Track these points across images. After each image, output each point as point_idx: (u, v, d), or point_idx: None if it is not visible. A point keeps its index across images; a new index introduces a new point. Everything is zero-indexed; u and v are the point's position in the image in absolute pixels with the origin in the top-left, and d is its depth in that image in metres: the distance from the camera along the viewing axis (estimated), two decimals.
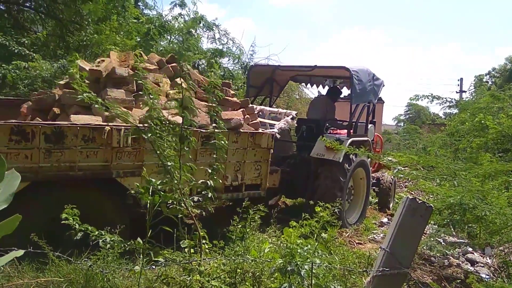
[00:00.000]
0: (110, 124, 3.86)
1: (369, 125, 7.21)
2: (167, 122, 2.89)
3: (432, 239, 4.91)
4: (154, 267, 2.88)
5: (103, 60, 4.70)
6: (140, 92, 2.98)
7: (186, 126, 2.96)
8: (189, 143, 2.95)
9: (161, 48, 9.17)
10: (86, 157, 3.78)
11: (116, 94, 4.23)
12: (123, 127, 3.85)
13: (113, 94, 4.21)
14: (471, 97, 24.53)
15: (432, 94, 7.00)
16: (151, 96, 2.84)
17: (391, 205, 8.13)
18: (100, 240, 2.83)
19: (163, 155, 2.77)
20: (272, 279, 2.71)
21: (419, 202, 1.95)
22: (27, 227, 3.17)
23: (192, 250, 2.92)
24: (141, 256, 2.81)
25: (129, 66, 4.65)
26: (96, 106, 2.71)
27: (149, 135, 2.74)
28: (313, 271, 2.40)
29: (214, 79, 3.20)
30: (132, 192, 3.64)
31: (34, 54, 7.46)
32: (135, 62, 3.03)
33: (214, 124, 3.20)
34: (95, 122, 3.90)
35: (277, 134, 5.54)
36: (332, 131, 7.13)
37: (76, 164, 3.72)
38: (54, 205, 3.66)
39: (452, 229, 5.50)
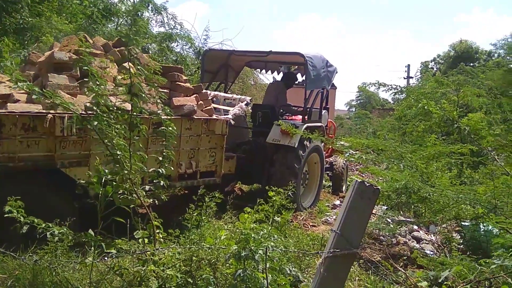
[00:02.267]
0: (52, 111, 3.66)
1: (323, 111, 7.36)
2: (115, 109, 2.77)
3: (381, 221, 5.14)
4: (106, 258, 2.80)
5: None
6: (85, 79, 2.82)
7: (135, 114, 2.86)
8: (139, 131, 2.85)
9: (106, 32, 8.74)
10: (27, 147, 3.57)
11: (58, 80, 4.01)
12: (66, 115, 3.66)
13: (54, 80, 3.98)
14: (418, 82, 25.73)
15: (378, 82, 7.25)
16: (98, 82, 2.70)
17: (344, 188, 8.41)
18: (48, 233, 2.69)
19: (111, 144, 2.66)
20: (228, 265, 2.72)
21: (367, 185, 2.02)
22: None
23: (146, 240, 2.86)
24: (92, 248, 2.72)
25: (71, 50, 4.42)
26: (34, 96, 2.54)
27: (95, 123, 2.61)
28: (268, 254, 2.44)
29: (153, 64, 3.09)
30: (82, 182, 3.49)
31: None
32: (78, 47, 2.86)
33: (159, 111, 3.12)
34: (35, 110, 3.68)
35: (231, 120, 5.52)
36: (287, 117, 7.21)
37: (16, 155, 3.51)
38: None
39: (400, 211, 5.78)
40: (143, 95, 2.79)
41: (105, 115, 2.68)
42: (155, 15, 11.32)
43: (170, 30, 11.22)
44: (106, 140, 2.67)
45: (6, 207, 2.58)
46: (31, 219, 2.61)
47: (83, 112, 2.95)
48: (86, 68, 2.82)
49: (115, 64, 4.62)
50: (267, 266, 2.43)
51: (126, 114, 2.81)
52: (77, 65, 2.99)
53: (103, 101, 2.74)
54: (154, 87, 3.04)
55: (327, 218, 6.45)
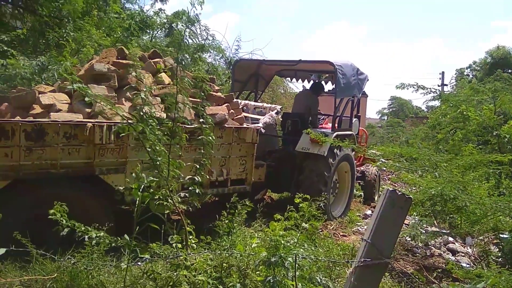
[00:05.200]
0: (91, 120, 3.81)
1: (354, 119, 7.29)
2: (155, 117, 2.88)
3: (415, 229, 5.01)
4: (140, 263, 2.88)
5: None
6: (128, 87, 2.93)
7: (177, 123, 2.96)
8: (180, 140, 2.95)
9: (142, 44, 9.08)
10: (68, 155, 3.73)
11: (98, 90, 4.19)
12: (105, 124, 3.81)
13: (94, 90, 4.17)
14: (452, 90, 24.99)
15: (417, 84, 7.07)
16: (145, 89, 2.82)
17: (376, 197, 8.25)
18: (86, 236, 2.80)
19: (153, 150, 2.75)
20: (257, 272, 2.74)
21: (399, 193, 2.00)
22: (8, 225, 3.15)
23: (179, 246, 2.93)
24: (127, 253, 2.81)
25: (110, 62, 4.60)
26: (86, 99, 2.67)
27: (140, 129, 2.71)
28: (298, 263, 2.44)
29: (202, 74, 3.20)
30: (121, 188, 3.61)
31: (13, 51, 7.30)
32: (117, 58, 3.02)
33: (202, 120, 3.20)
34: (76, 119, 3.86)
35: (261, 129, 5.56)
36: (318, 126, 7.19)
37: (58, 162, 3.67)
38: (36, 204, 3.63)
39: (434, 220, 5.62)
40: (186, 105, 2.89)
41: (150, 121, 2.79)
42: (188, 27, 11.62)
43: (202, 41, 11.49)
44: (148, 146, 2.76)
45: (51, 210, 2.71)
46: (72, 222, 2.73)
47: (128, 120, 3.07)
48: (136, 76, 2.95)
49: (150, 75, 4.77)
50: (297, 274, 2.43)
51: (168, 122, 2.91)
52: (114, 76, 3.11)
53: (149, 108, 2.86)
54: (201, 97, 3.14)
55: (358, 228, 6.35)
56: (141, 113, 2.75)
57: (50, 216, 2.67)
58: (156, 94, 4.45)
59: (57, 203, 2.74)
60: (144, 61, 5.06)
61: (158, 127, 2.86)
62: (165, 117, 3.05)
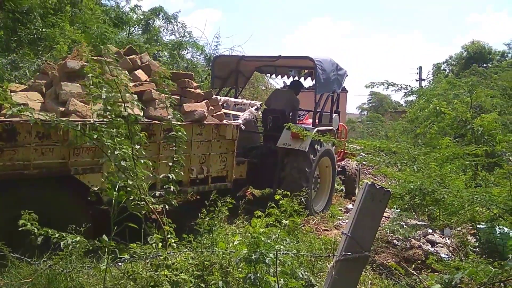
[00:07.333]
0: (65, 119, 3.71)
1: (334, 115, 7.34)
2: (114, 118, 2.77)
3: (395, 223, 5.08)
4: (120, 264, 2.82)
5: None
6: (92, 87, 2.86)
7: (133, 121, 2.87)
8: (140, 139, 2.86)
9: (118, 40, 8.91)
10: (42, 155, 3.64)
11: (71, 88, 4.09)
12: (80, 123, 3.72)
13: (67, 88, 4.06)
14: (429, 84, 25.46)
15: (387, 81, 7.17)
16: (105, 90, 2.74)
17: (356, 191, 8.35)
18: (61, 242, 2.71)
19: (113, 155, 2.66)
20: (239, 269, 2.72)
21: (378, 187, 2.01)
22: None
23: (160, 245, 2.88)
24: (106, 254, 2.75)
25: (83, 59, 4.50)
26: (29, 115, 2.61)
27: (95, 137, 2.64)
28: (279, 258, 2.43)
29: (163, 70, 3.13)
30: (95, 188, 3.53)
31: None
32: (85, 56, 2.95)
33: (169, 116, 3.14)
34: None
35: (241, 125, 5.54)
36: (298, 122, 7.21)
37: (31, 162, 3.57)
38: (10, 206, 3.52)
39: (414, 213, 5.72)
40: (135, 102, 2.81)
41: (103, 127, 2.70)
42: (166, 24, 11.49)
43: (180, 38, 11.36)
44: (109, 151, 2.68)
45: (21, 220, 2.59)
46: (45, 230, 2.62)
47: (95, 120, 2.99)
48: (93, 76, 2.86)
49: (126, 72, 4.68)
50: (279, 270, 2.43)
51: (123, 123, 2.81)
52: (89, 72, 3.02)
53: (115, 109, 2.76)
54: (164, 93, 3.07)
55: (340, 222, 6.41)
56: (93, 121, 2.66)
57: (20, 226, 2.55)
58: (133, 91, 4.37)
59: (25, 212, 2.61)
60: (120, 58, 4.97)
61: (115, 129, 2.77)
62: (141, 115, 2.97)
